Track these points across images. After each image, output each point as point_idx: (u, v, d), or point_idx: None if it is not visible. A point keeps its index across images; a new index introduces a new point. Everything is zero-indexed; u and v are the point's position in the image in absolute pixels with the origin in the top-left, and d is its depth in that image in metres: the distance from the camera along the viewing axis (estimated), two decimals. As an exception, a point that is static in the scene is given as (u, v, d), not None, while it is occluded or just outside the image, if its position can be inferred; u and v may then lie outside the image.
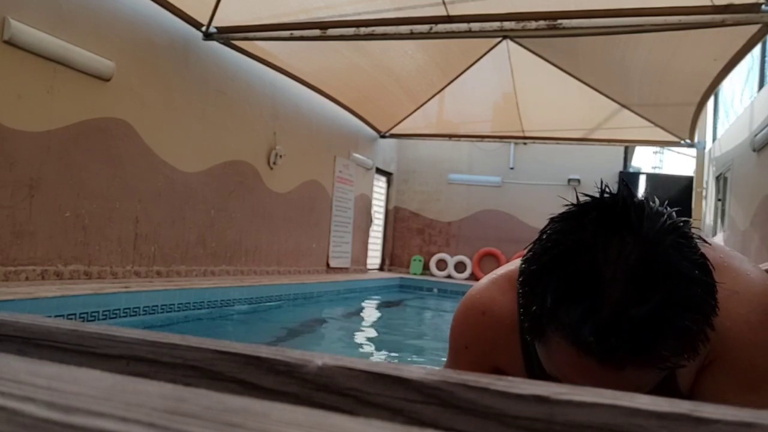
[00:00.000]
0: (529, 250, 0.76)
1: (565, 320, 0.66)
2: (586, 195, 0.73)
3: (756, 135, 6.01)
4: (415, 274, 10.34)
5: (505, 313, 0.96)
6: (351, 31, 5.07)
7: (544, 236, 0.74)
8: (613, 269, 0.64)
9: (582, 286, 0.65)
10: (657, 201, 0.71)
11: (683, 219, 0.70)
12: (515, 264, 1.00)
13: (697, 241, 0.70)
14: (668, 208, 0.70)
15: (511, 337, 0.95)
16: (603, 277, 0.64)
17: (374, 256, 10.31)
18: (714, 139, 9.11)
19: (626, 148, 10.13)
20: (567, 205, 0.75)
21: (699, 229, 0.71)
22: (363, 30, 5.02)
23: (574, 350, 0.66)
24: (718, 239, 7.55)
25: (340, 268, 8.52)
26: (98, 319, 3.55)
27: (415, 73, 7.19)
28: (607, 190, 0.72)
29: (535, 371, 0.94)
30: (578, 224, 0.69)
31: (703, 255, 0.68)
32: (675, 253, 0.64)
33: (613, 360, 0.65)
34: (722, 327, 0.76)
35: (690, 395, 0.87)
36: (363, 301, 7.23)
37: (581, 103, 7.58)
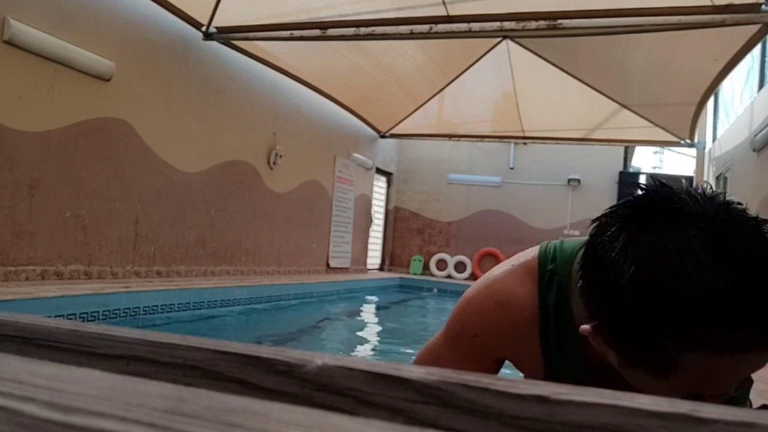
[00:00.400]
0: (592, 267, 0.72)
1: (715, 333, 0.63)
2: (634, 197, 0.70)
3: (756, 135, 6.01)
4: (415, 274, 10.34)
5: (524, 305, 0.93)
6: (351, 31, 5.07)
7: (619, 248, 0.68)
8: (735, 265, 0.62)
9: (682, 292, 0.63)
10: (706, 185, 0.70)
11: (738, 202, 0.69)
12: (531, 255, 0.97)
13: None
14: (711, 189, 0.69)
15: (529, 330, 0.93)
16: (725, 275, 0.62)
17: (374, 256, 10.31)
18: (714, 139, 9.11)
19: (626, 148, 10.14)
20: (611, 209, 0.71)
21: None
22: (363, 30, 5.03)
23: (727, 356, 0.65)
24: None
25: (340, 268, 8.52)
26: (98, 319, 3.55)
27: (415, 73, 7.19)
28: (649, 186, 0.70)
29: (555, 366, 0.93)
30: (661, 233, 0.65)
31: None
32: (760, 231, 0.65)
33: (745, 342, 0.64)
34: None
35: None
36: (363, 301, 7.23)
37: (581, 103, 7.58)
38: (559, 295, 0.91)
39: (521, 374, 1.03)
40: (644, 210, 0.68)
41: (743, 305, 0.62)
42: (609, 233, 0.70)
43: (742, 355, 0.65)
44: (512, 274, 0.97)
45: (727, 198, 0.68)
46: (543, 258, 0.95)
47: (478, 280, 1.02)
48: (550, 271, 0.92)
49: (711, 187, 0.69)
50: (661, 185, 0.69)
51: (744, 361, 0.65)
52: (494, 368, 1.01)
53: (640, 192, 0.71)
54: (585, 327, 0.77)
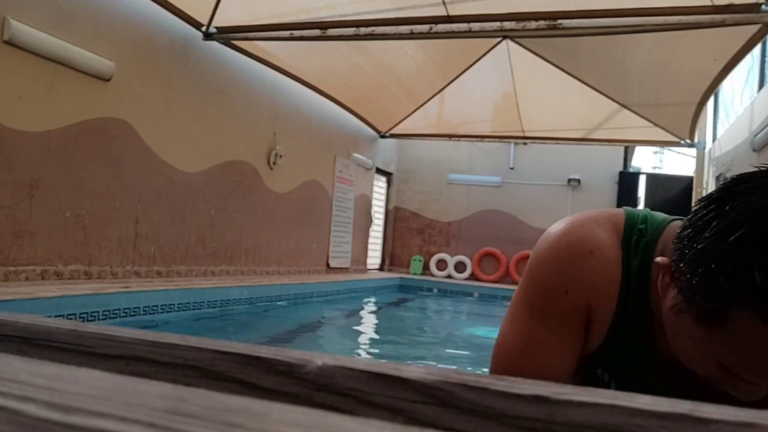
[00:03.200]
0: (695, 221, 0.70)
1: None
2: (756, 168, 0.69)
3: (756, 135, 6.01)
4: (415, 274, 10.34)
5: (612, 259, 0.85)
6: (351, 31, 5.07)
7: (721, 207, 0.68)
8: None
9: None
10: None
11: None
12: (611, 211, 0.91)
13: None
14: None
15: (610, 289, 0.85)
16: None
17: (374, 256, 10.31)
18: (714, 139, 9.11)
19: (626, 148, 10.13)
20: (744, 174, 0.69)
21: None
22: (363, 30, 5.02)
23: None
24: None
25: (340, 268, 8.52)
26: (98, 319, 3.55)
27: (415, 73, 7.19)
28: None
29: (619, 333, 0.87)
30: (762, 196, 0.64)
31: None
32: None
33: None
34: None
35: None
36: (363, 301, 7.23)
37: (581, 103, 7.58)
38: (644, 260, 0.84)
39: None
40: (739, 182, 0.68)
41: None
42: (708, 204, 0.70)
43: None
44: (599, 225, 0.87)
45: None
46: (632, 217, 0.88)
47: (554, 227, 0.90)
48: (639, 230, 0.86)
49: None
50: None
51: None
52: (585, 330, 0.88)
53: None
54: (662, 258, 0.75)
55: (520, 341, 0.88)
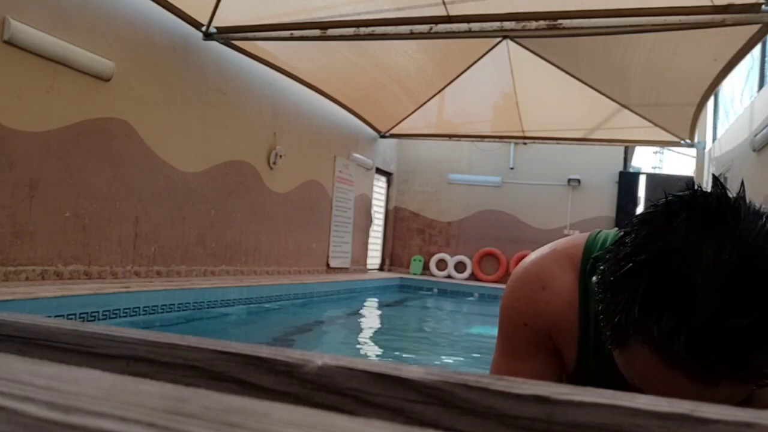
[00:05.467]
0: (610, 253, 0.70)
1: (654, 331, 0.60)
2: (675, 195, 0.66)
3: (756, 135, 6.01)
4: (415, 274, 10.34)
5: (565, 290, 0.90)
6: (351, 31, 5.07)
7: (628, 239, 0.67)
8: (707, 276, 0.58)
9: (673, 294, 0.60)
10: (753, 202, 0.65)
11: None
12: (573, 242, 0.94)
13: None
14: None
15: (570, 316, 0.90)
16: (696, 285, 0.59)
17: (374, 256, 10.31)
18: (714, 139, 9.11)
19: (626, 148, 10.13)
20: (651, 205, 0.67)
21: None
22: (363, 30, 5.02)
23: (662, 362, 0.62)
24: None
25: (340, 268, 8.52)
26: (98, 319, 3.55)
27: (415, 73, 7.19)
28: (698, 188, 0.65)
29: (590, 354, 0.90)
30: (667, 226, 0.63)
31: None
32: None
33: (707, 376, 0.60)
34: None
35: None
36: (363, 301, 7.23)
37: (581, 103, 7.58)
38: None
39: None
40: (674, 211, 0.65)
41: (702, 330, 0.58)
42: (645, 220, 0.68)
43: (693, 379, 0.61)
44: (554, 259, 0.93)
45: None
46: (590, 244, 0.92)
47: (518, 266, 0.98)
48: (594, 258, 0.88)
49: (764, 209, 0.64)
50: (718, 187, 0.65)
51: (699, 384, 0.61)
52: (558, 358, 0.95)
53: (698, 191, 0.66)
54: (595, 278, 0.76)
55: (495, 372, 0.97)
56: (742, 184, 0.70)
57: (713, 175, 0.67)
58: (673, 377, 0.62)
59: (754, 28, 4.47)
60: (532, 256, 0.97)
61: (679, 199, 0.65)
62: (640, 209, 9.27)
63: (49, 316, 0.81)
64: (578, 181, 9.91)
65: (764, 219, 0.62)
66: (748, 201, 0.64)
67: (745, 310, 0.57)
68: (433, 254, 10.56)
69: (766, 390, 0.78)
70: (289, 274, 7.13)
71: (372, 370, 0.33)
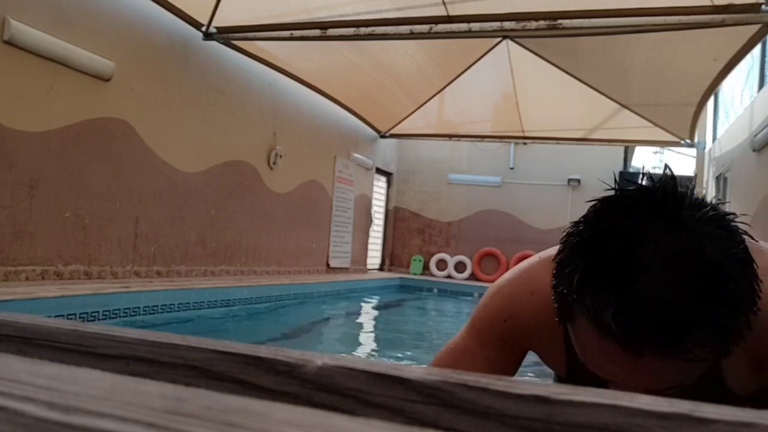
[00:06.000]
0: (566, 233, 0.75)
1: (589, 301, 0.65)
2: (631, 181, 0.71)
3: (756, 135, 6.01)
4: (415, 274, 10.34)
5: (551, 297, 0.95)
6: (351, 31, 5.07)
7: (581, 220, 0.72)
8: (644, 254, 0.63)
9: (610, 269, 0.64)
10: (702, 194, 0.70)
11: (728, 212, 0.68)
12: None
13: (745, 237, 0.68)
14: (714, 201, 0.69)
15: (555, 322, 0.93)
16: (633, 262, 0.63)
17: (374, 256, 10.31)
18: (714, 139, 9.11)
19: (626, 148, 10.14)
20: (608, 189, 0.72)
21: (748, 225, 0.71)
22: (363, 30, 5.02)
23: (596, 332, 0.66)
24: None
25: (340, 268, 8.52)
26: (98, 319, 3.55)
27: (415, 73, 7.19)
28: (650, 177, 0.70)
29: (577, 360, 0.92)
30: (614, 208, 0.68)
31: (746, 250, 0.65)
32: (712, 245, 0.63)
33: (632, 344, 0.64)
34: None
35: (750, 399, 0.84)
36: (363, 301, 7.23)
37: (581, 103, 7.58)
38: None
39: (548, 368, 1.03)
40: (623, 196, 0.70)
41: (632, 303, 0.62)
42: (597, 205, 0.73)
43: (623, 349, 0.65)
44: (544, 266, 0.96)
45: (722, 217, 0.66)
46: None
47: (509, 271, 1.04)
48: None
49: (712, 201, 0.69)
50: (668, 179, 0.69)
51: (628, 356, 0.65)
52: (519, 360, 1.01)
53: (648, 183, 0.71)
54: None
55: (454, 348, 1.03)
56: (694, 178, 0.75)
57: (665, 165, 0.71)
58: (606, 347, 0.66)
59: (754, 28, 4.47)
60: (525, 263, 1.02)
61: (630, 189, 0.70)
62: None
63: (49, 316, 0.81)
64: (578, 181, 9.91)
65: (708, 208, 0.66)
66: (696, 193, 0.69)
67: (677, 285, 0.61)
68: (433, 254, 10.56)
69: None
70: (289, 274, 7.13)
71: (372, 370, 0.33)
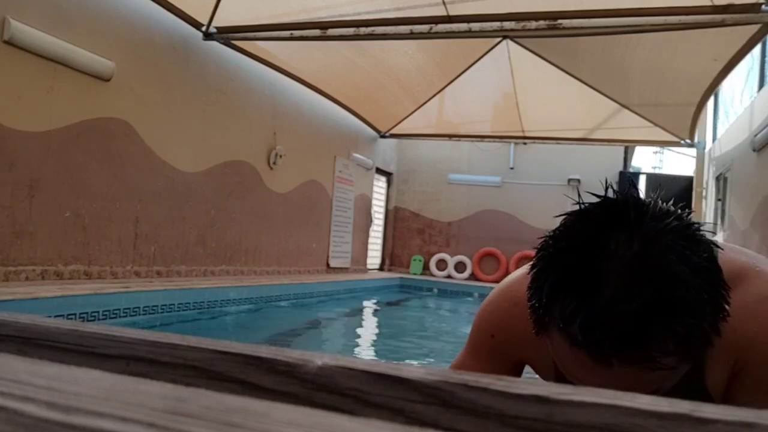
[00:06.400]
0: (539, 246, 0.76)
1: (557, 313, 0.67)
2: (594, 194, 0.73)
3: (756, 135, 6.01)
4: (415, 274, 10.34)
5: None
6: (351, 31, 5.07)
7: (552, 233, 0.74)
8: (608, 265, 0.64)
9: (577, 280, 0.66)
10: (666, 203, 0.71)
11: (693, 222, 0.69)
12: None
13: (713, 246, 0.69)
14: (681, 211, 0.70)
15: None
16: (598, 272, 0.64)
17: (374, 256, 10.31)
18: (714, 139, 9.11)
19: (626, 148, 10.13)
20: (574, 204, 0.74)
21: (713, 233, 0.72)
22: (363, 30, 5.02)
23: (567, 343, 0.68)
24: (718, 239, 7.54)
25: (340, 268, 8.52)
26: (98, 319, 3.55)
27: (415, 73, 7.19)
28: (613, 189, 0.72)
29: None
30: (580, 221, 0.70)
31: (709, 259, 0.66)
32: (671, 254, 0.64)
33: (599, 354, 0.65)
34: (749, 332, 0.76)
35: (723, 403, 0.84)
36: (363, 301, 7.23)
37: (581, 103, 7.58)
38: None
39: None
40: (589, 209, 0.72)
41: (596, 312, 0.63)
42: (565, 218, 0.74)
43: (592, 359, 0.66)
44: (527, 277, 0.97)
45: (684, 227, 0.67)
46: None
47: (498, 284, 1.06)
48: None
49: (678, 212, 0.70)
50: (631, 187, 0.71)
51: (598, 366, 0.66)
52: (516, 371, 1.04)
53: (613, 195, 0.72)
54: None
55: (455, 366, 1.08)
56: (660, 187, 0.76)
57: (628, 178, 0.71)
58: (578, 357, 0.68)
59: (754, 28, 4.47)
60: (512, 274, 1.05)
61: (594, 202, 0.72)
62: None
63: (49, 316, 0.81)
64: (578, 181, 9.91)
65: (671, 219, 0.67)
66: (661, 203, 0.70)
67: (636, 295, 0.62)
68: (433, 254, 10.56)
69: (737, 390, 0.80)
70: (289, 274, 7.13)
71: (372, 370, 0.33)
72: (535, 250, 0.75)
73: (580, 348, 0.66)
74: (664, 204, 0.70)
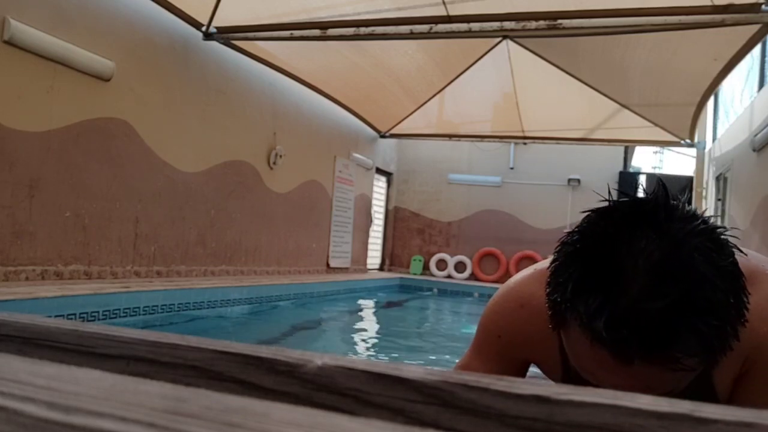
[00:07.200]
0: (560, 242, 0.76)
1: (581, 309, 0.66)
2: (624, 193, 0.73)
3: (756, 135, 6.01)
4: (415, 274, 10.34)
5: (543, 308, 0.96)
6: (351, 31, 5.06)
7: (576, 229, 0.73)
8: (634, 264, 0.64)
9: (602, 277, 0.66)
10: (695, 207, 0.71)
11: (719, 226, 0.69)
12: None
13: (734, 249, 0.69)
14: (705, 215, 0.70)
15: (549, 332, 0.95)
16: (623, 270, 0.64)
17: (374, 256, 10.31)
18: (714, 139, 9.11)
19: (626, 148, 10.13)
20: (602, 200, 0.74)
21: (737, 237, 0.72)
22: (363, 30, 5.02)
23: (588, 340, 0.67)
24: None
25: (340, 268, 8.52)
26: (98, 319, 3.55)
27: (415, 73, 7.19)
28: (643, 189, 0.72)
29: (572, 370, 0.94)
30: (606, 218, 0.70)
31: (734, 263, 0.67)
32: (699, 256, 0.64)
33: (622, 353, 0.65)
34: (759, 333, 0.76)
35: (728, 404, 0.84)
36: (363, 301, 7.23)
37: (581, 103, 7.58)
38: None
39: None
40: (616, 207, 0.72)
41: (622, 310, 0.63)
42: (591, 215, 0.74)
43: (613, 357, 0.66)
44: (534, 278, 0.99)
45: (711, 230, 0.68)
46: None
47: (503, 285, 1.07)
48: None
49: (703, 215, 0.70)
50: (661, 188, 0.71)
51: (619, 364, 0.66)
52: (521, 371, 1.04)
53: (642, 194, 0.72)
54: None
55: (461, 367, 1.08)
56: (686, 189, 0.76)
57: (658, 179, 0.72)
58: (597, 354, 0.67)
59: (754, 28, 4.47)
60: (518, 275, 1.05)
61: (623, 200, 0.72)
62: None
63: (49, 316, 0.81)
64: (578, 181, 9.91)
65: (698, 221, 0.67)
66: (689, 206, 0.70)
67: (663, 295, 0.62)
68: (433, 254, 10.56)
69: (743, 390, 0.81)
70: (289, 274, 7.13)
71: (372, 370, 0.33)
72: (559, 245, 0.75)
73: (603, 345, 0.66)
74: (690, 206, 0.70)
